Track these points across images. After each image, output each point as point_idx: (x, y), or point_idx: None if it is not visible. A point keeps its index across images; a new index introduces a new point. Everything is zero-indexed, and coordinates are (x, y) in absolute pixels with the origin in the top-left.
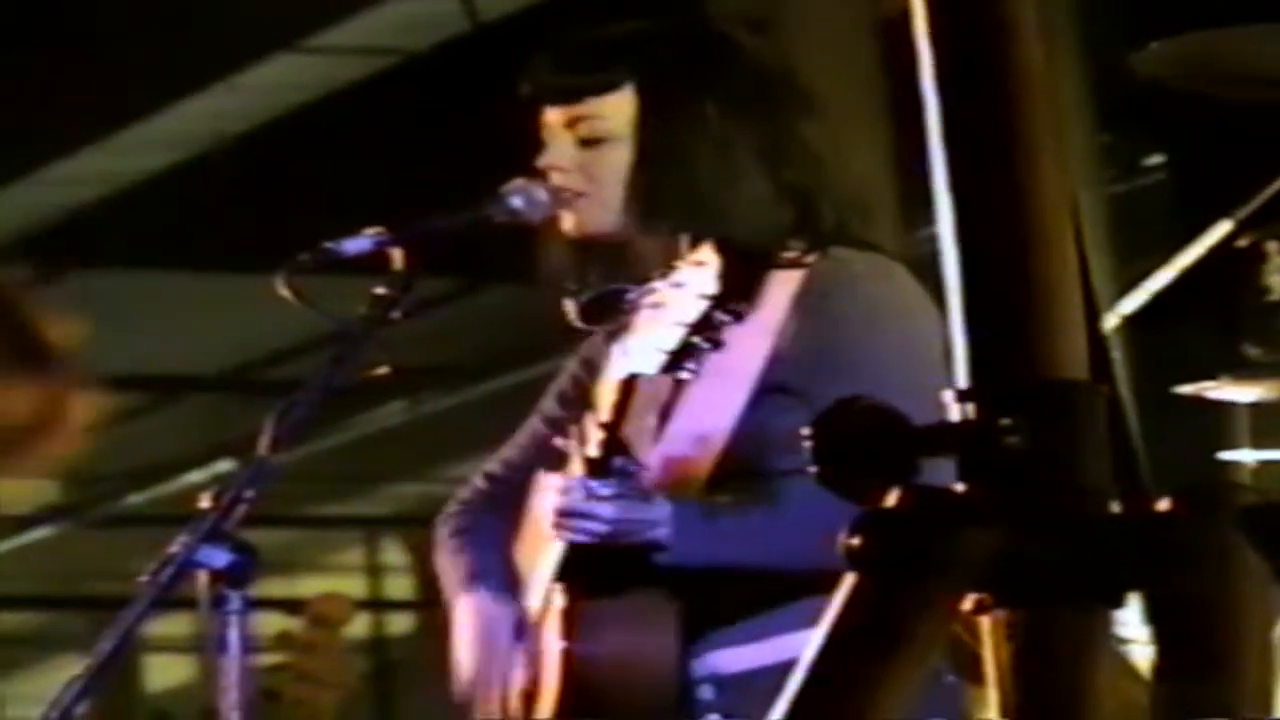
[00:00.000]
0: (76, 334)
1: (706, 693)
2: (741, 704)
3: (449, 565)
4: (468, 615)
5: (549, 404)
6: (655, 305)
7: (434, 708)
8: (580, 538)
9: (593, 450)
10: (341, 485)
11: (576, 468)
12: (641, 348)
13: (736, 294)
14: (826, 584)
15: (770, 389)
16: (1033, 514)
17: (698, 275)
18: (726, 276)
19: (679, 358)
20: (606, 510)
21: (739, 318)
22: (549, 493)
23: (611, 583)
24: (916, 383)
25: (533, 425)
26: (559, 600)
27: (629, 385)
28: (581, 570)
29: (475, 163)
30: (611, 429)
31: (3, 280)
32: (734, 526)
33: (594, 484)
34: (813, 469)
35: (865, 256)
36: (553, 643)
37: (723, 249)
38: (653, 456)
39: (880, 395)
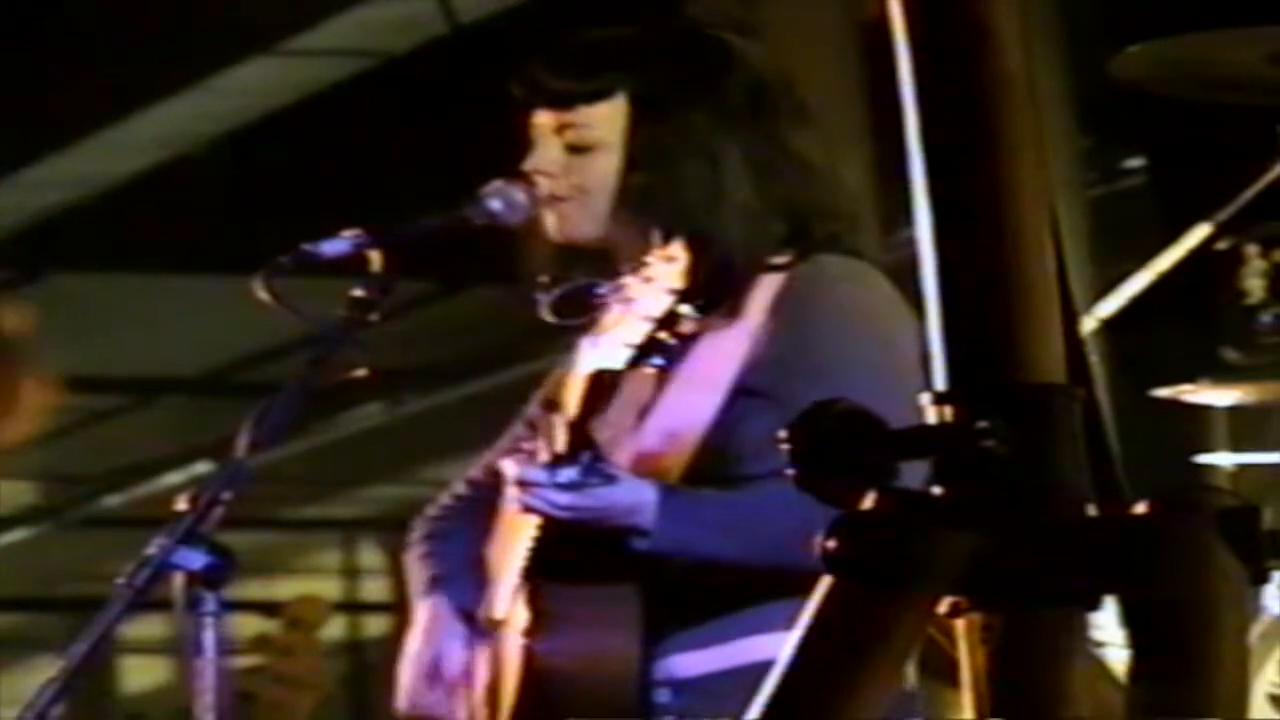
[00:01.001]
0: (27, 322)
1: (663, 696)
2: (699, 708)
3: (415, 569)
4: (422, 621)
5: (534, 410)
6: (626, 300)
7: None
8: (547, 509)
9: (559, 445)
10: (319, 487)
11: (531, 460)
12: (610, 342)
13: (704, 290)
14: (789, 588)
15: (744, 392)
16: (1010, 517)
17: (666, 270)
18: (694, 272)
19: (645, 352)
20: (566, 497)
21: (705, 312)
22: (510, 469)
23: (577, 579)
24: (888, 388)
25: (516, 431)
26: (522, 597)
27: (596, 380)
28: (547, 567)
29: (453, 164)
30: (579, 424)
31: None
32: (719, 517)
33: (559, 470)
34: (789, 471)
35: (842, 261)
36: (515, 640)
37: (693, 245)
38: (624, 457)
39: (853, 398)
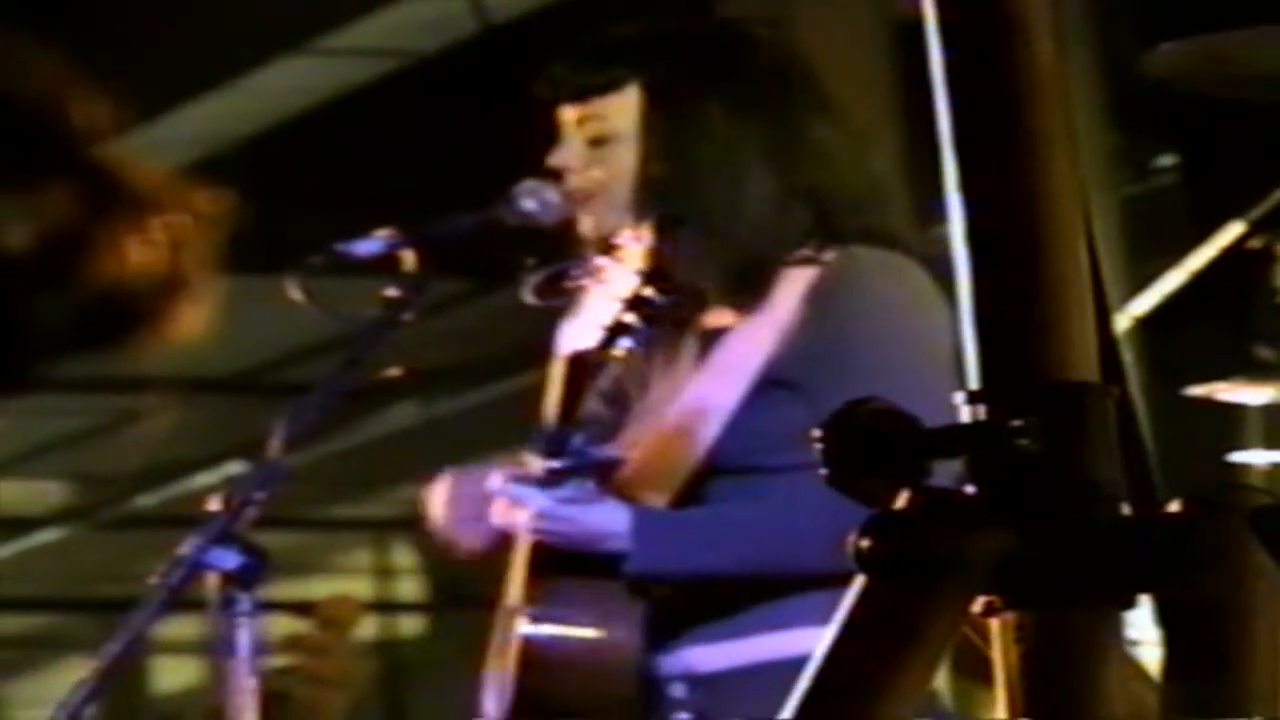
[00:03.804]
0: (173, 177)
1: (678, 690)
2: (714, 703)
3: None
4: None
5: (593, 405)
6: (600, 282)
7: (444, 709)
8: (523, 527)
9: (549, 432)
10: (352, 487)
11: (533, 453)
12: (584, 324)
13: (670, 273)
14: (805, 584)
15: (771, 383)
16: (1043, 516)
17: (636, 251)
18: (658, 254)
19: (613, 334)
20: (540, 520)
21: (669, 293)
22: (500, 482)
23: (579, 572)
24: (917, 383)
25: (591, 406)
26: (523, 589)
27: (574, 363)
28: (550, 559)
29: (486, 164)
30: (565, 409)
31: (86, 119)
32: (698, 535)
33: (542, 493)
34: (821, 470)
35: (875, 254)
36: (517, 631)
37: (661, 226)
38: (641, 446)
39: (882, 393)
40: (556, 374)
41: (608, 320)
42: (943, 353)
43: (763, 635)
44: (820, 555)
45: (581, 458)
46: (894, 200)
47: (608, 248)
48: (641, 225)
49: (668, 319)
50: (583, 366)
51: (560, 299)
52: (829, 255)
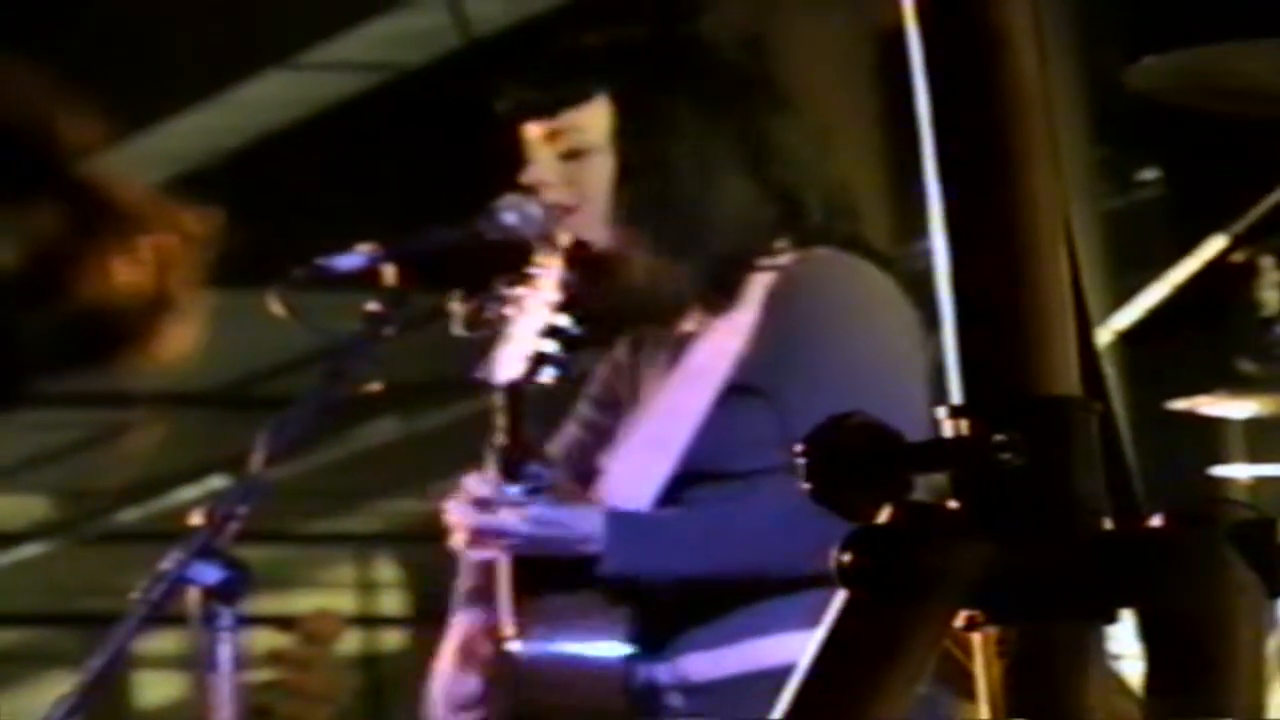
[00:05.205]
0: (160, 195)
1: (675, 699)
2: (711, 710)
3: (463, 572)
4: (455, 639)
5: (584, 408)
6: (520, 311)
7: None
8: (498, 534)
9: (500, 461)
10: (334, 501)
11: (490, 478)
12: (510, 354)
13: (577, 299)
14: (795, 583)
15: (736, 389)
16: (1026, 530)
17: (548, 279)
18: (567, 284)
19: (537, 364)
20: (521, 525)
21: (582, 321)
22: (461, 502)
23: (563, 584)
24: (878, 386)
25: (569, 432)
26: (507, 602)
27: (510, 392)
28: (532, 571)
29: (469, 178)
30: (511, 438)
31: (73, 137)
32: (672, 536)
33: (509, 489)
34: (792, 475)
35: (836, 256)
36: (501, 645)
37: (570, 253)
38: (619, 455)
39: (844, 395)
40: (498, 403)
41: (529, 351)
42: (904, 355)
43: (757, 639)
44: (792, 556)
45: (538, 481)
46: (859, 203)
47: (519, 277)
48: (552, 251)
49: (585, 345)
50: (518, 395)
51: (487, 329)
52: (788, 259)
